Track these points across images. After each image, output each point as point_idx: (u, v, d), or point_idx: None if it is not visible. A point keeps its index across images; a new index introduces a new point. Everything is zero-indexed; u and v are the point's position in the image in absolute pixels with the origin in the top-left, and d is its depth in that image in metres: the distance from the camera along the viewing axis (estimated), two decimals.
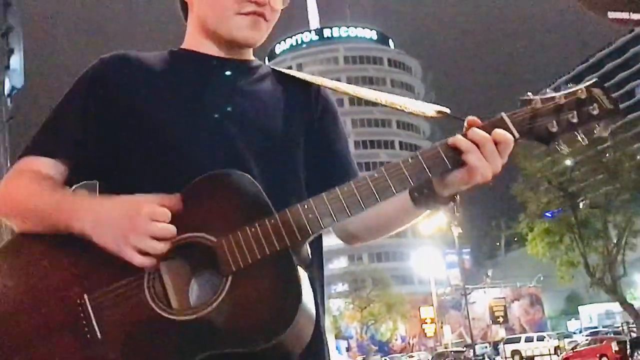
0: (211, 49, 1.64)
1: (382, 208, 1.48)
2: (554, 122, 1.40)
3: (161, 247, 1.31)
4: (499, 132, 1.38)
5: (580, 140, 1.42)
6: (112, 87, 1.56)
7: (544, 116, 1.40)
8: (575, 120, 1.39)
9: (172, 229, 1.32)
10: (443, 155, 1.39)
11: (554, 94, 1.42)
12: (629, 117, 69.00)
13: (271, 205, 1.37)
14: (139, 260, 1.30)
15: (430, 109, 1.57)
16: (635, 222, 33.35)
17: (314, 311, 1.37)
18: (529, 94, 1.43)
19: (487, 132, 1.38)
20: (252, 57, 1.71)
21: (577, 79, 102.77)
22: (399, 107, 1.67)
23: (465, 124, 1.42)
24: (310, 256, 1.41)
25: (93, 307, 1.35)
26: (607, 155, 35.51)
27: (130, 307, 1.34)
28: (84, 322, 1.34)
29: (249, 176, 1.39)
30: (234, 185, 1.40)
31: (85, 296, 1.36)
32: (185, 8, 1.69)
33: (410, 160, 1.39)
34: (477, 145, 1.37)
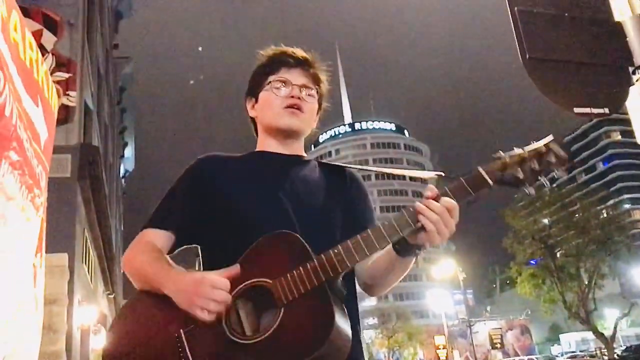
0: (274, 147, 1.74)
1: (380, 262, 1.57)
2: (520, 170, 1.41)
3: (217, 307, 1.36)
4: (445, 200, 1.40)
5: (544, 183, 1.43)
6: (207, 180, 1.66)
7: (512, 166, 1.41)
8: (537, 167, 1.41)
9: (226, 295, 1.37)
10: (408, 219, 1.41)
11: (520, 150, 1.43)
12: (591, 185, 67.66)
13: (311, 253, 1.40)
14: (201, 315, 1.37)
15: (430, 174, 1.61)
16: (601, 267, 32.52)
17: (348, 331, 1.38)
18: (500, 152, 1.44)
19: (438, 201, 1.40)
20: (303, 153, 1.80)
21: None
22: (407, 175, 1.83)
23: (424, 194, 1.44)
24: (344, 289, 1.44)
25: (187, 339, 1.41)
26: (577, 215, 34.95)
27: (214, 336, 1.38)
28: (180, 350, 1.40)
29: (296, 234, 1.44)
30: (286, 241, 1.44)
31: (181, 330, 1.42)
32: (254, 123, 1.82)
33: (386, 222, 1.42)
34: (432, 211, 1.39)
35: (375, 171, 1.95)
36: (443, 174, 1.57)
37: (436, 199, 1.41)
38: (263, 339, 1.34)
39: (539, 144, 1.43)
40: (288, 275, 1.38)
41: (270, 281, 1.39)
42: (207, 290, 1.37)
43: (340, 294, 1.42)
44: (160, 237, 1.62)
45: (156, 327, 1.46)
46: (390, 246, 1.49)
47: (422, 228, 1.40)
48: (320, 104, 1.81)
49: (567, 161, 1.42)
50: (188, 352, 1.39)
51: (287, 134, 1.73)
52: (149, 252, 1.58)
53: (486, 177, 1.41)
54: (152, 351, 1.44)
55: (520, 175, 1.41)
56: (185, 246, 1.67)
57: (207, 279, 1.39)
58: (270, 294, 1.38)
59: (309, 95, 1.74)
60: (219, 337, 1.38)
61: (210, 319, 1.36)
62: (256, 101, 1.78)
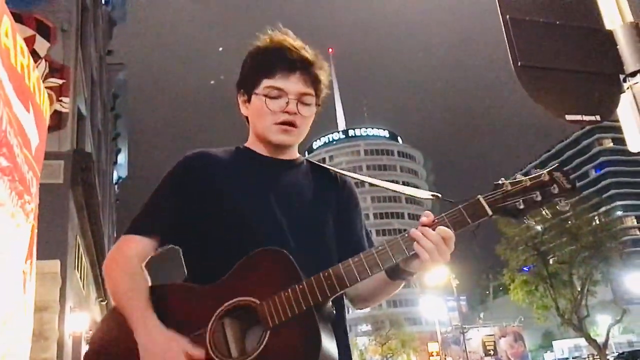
0: (263, 150, 1.67)
1: (369, 282, 1.48)
2: (521, 201, 1.36)
3: None
4: (441, 229, 1.35)
5: (545, 215, 1.38)
6: (194, 178, 1.58)
7: (513, 196, 1.36)
8: (538, 199, 1.36)
9: None
10: (403, 246, 1.37)
11: (522, 178, 1.38)
12: (584, 192, 67.92)
13: (302, 275, 1.36)
14: None
15: (426, 194, 1.57)
16: (594, 274, 32.59)
17: (334, 353, 1.35)
18: (502, 179, 1.39)
19: (434, 228, 1.36)
20: (296, 155, 1.72)
21: (543, 164, 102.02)
22: (403, 192, 1.74)
23: (420, 222, 1.39)
24: (334, 311, 1.41)
25: None
26: (570, 222, 35.06)
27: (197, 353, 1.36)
28: None
29: (286, 252, 1.39)
30: (275, 260, 1.39)
31: None
32: (247, 119, 1.72)
33: (380, 248, 1.38)
34: (428, 240, 1.35)
35: (370, 182, 1.89)
36: (440, 196, 1.53)
37: (432, 225, 1.37)
38: None
39: (542, 172, 1.38)
40: (276, 297, 1.35)
41: (258, 301, 1.36)
42: (175, 357, 1.35)
43: (328, 315, 1.39)
44: (142, 245, 1.55)
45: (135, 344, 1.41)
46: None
47: (416, 255, 1.37)
48: (319, 104, 1.70)
49: (572, 193, 1.37)
50: None
51: (279, 147, 1.65)
52: (128, 278, 1.52)
53: (486, 207, 1.36)
54: None
55: (521, 207, 1.36)
56: (167, 247, 1.61)
57: (177, 346, 1.36)
58: (256, 314, 1.35)
59: (305, 105, 1.62)
60: (202, 358, 1.35)
61: None
62: (248, 100, 1.66)
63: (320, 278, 1.36)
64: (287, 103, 1.59)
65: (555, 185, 1.36)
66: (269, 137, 1.62)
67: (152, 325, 1.41)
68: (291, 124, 1.60)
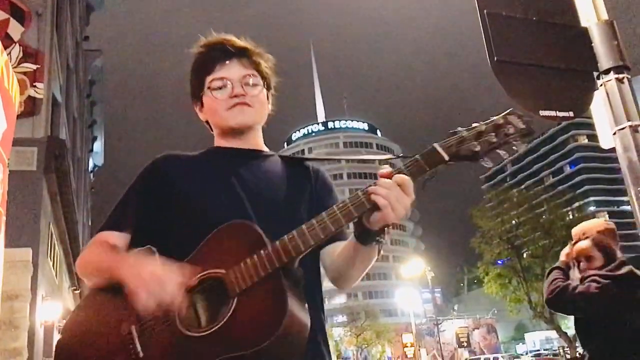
0: (229, 142, 1.69)
1: (345, 253, 1.53)
2: (476, 143, 1.37)
3: (163, 301, 1.33)
4: (397, 176, 1.37)
5: (502, 155, 1.39)
6: (162, 179, 1.62)
7: (468, 141, 1.38)
8: (494, 139, 1.38)
9: (174, 294, 1.33)
10: (361, 198, 1.38)
11: (477, 124, 1.40)
12: (558, 188, 68.96)
13: (266, 240, 1.38)
14: (145, 303, 1.33)
15: (388, 155, 1.60)
16: None
17: (304, 316, 1.35)
18: (459, 128, 1.40)
19: (390, 178, 1.37)
20: (264, 148, 1.75)
21: (519, 159, 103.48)
22: (365, 158, 1.85)
23: (378, 174, 1.40)
24: (302, 275, 1.41)
25: (138, 335, 1.39)
26: (543, 217, 35.63)
27: (166, 332, 1.37)
28: (131, 347, 1.38)
29: (250, 223, 1.42)
30: (240, 231, 1.42)
31: (133, 327, 1.40)
32: (209, 124, 1.76)
33: (341, 204, 1.39)
34: (383, 187, 1.36)
35: (339, 159, 1.95)
36: (401, 155, 1.54)
37: (390, 176, 1.38)
38: (215, 330, 1.31)
39: (498, 116, 1.40)
40: (242, 264, 1.35)
41: (224, 271, 1.36)
42: (161, 282, 1.34)
43: (296, 278, 1.39)
44: (115, 239, 1.58)
45: (108, 325, 1.43)
46: (352, 236, 1.47)
47: (377, 207, 1.36)
48: (269, 87, 1.73)
49: (527, 133, 1.39)
50: (139, 348, 1.37)
51: (241, 131, 1.68)
52: (104, 248, 1.55)
53: (442, 152, 1.37)
54: (104, 349, 1.41)
55: (477, 149, 1.37)
56: (141, 248, 1.59)
57: (163, 269, 1.37)
58: (224, 285, 1.35)
59: (253, 85, 1.66)
60: (171, 331, 1.36)
61: (150, 309, 1.34)
62: (202, 105, 1.71)
63: (284, 239, 1.37)
64: (233, 88, 1.64)
65: (510, 126, 1.38)
66: (227, 123, 1.66)
67: (135, 257, 1.44)
68: (243, 104, 1.64)
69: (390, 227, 1.44)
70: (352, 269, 1.57)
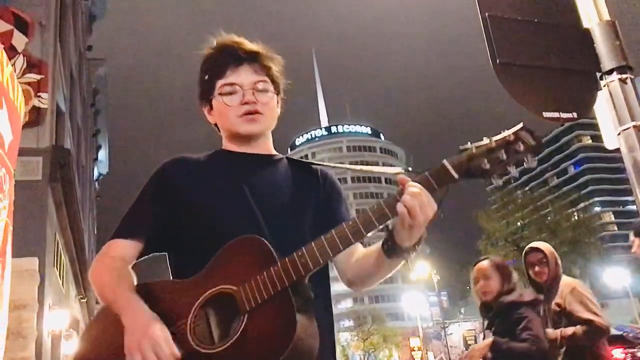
0: (239, 147, 1.69)
1: (367, 261, 1.54)
2: (486, 161, 1.34)
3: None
4: (409, 189, 1.35)
5: (511, 172, 1.35)
6: (171, 184, 1.61)
7: (478, 158, 1.34)
8: (504, 157, 1.34)
9: (168, 355, 1.33)
10: (385, 208, 1.36)
11: (487, 140, 1.36)
12: (563, 189, 68.75)
13: (276, 257, 1.37)
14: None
15: (397, 169, 1.57)
16: (572, 269, 33.14)
17: (314, 333, 1.35)
18: (469, 143, 1.37)
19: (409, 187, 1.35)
20: (273, 151, 1.74)
21: None
22: (375, 170, 1.81)
23: (399, 183, 1.39)
24: (312, 291, 1.41)
25: None
26: (549, 218, 35.54)
27: (179, 346, 1.36)
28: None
29: (262, 238, 1.41)
30: (252, 246, 1.41)
31: None
32: (217, 126, 1.76)
33: (363, 214, 1.37)
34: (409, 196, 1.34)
35: (347, 168, 1.94)
36: (410, 170, 1.52)
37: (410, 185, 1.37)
38: (225, 348, 1.32)
39: (507, 133, 1.36)
40: (252, 281, 1.36)
41: (235, 288, 1.37)
42: (157, 333, 1.35)
43: (306, 295, 1.39)
44: (127, 248, 1.58)
45: (122, 339, 1.41)
46: (379, 246, 1.47)
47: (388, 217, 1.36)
48: (279, 91, 1.72)
49: (537, 149, 1.35)
50: None
51: (250, 138, 1.67)
52: (113, 272, 1.54)
53: (451, 170, 1.35)
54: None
55: (487, 167, 1.34)
56: (153, 254, 1.63)
57: (161, 325, 1.37)
58: (235, 300, 1.36)
59: (263, 91, 1.65)
60: (183, 347, 1.36)
61: None
62: (211, 108, 1.71)
63: (294, 257, 1.36)
64: (244, 95, 1.63)
65: (520, 143, 1.34)
66: (237, 130, 1.65)
67: (137, 306, 1.43)
68: (254, 112, 1.63)
69: (421, 243, 1.44)
70: (375, 276, 1.58)
